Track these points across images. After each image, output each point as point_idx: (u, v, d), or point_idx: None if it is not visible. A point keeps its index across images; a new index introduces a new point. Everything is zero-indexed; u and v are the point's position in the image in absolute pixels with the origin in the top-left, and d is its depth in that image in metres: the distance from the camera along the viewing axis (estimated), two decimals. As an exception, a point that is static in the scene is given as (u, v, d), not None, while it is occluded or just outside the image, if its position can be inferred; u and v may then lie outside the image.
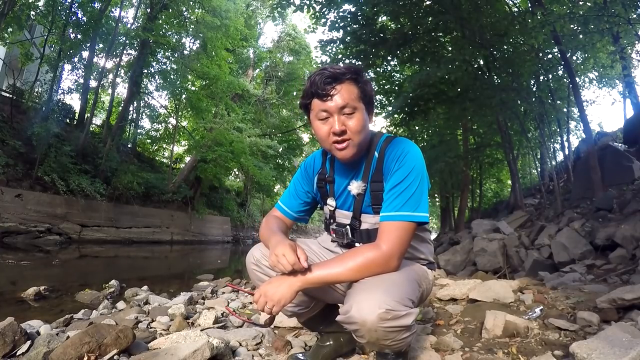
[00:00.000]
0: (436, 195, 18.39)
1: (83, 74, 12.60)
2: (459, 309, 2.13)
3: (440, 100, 10.09)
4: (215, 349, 1.34)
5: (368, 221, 1.23)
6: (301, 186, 1.38)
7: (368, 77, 1.17)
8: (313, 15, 8.33)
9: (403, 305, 0.98)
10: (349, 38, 8.71)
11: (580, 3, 6.77)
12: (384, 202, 1.13)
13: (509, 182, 14.79)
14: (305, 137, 24.19)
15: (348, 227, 1.26)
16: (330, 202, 1.31)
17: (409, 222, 1.08)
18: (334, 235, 1.32)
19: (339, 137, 1.10)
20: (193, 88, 16.89)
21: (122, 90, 16.87)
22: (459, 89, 9.48)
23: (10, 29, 10.73)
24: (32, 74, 12.09)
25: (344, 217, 1.28)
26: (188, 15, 15.23)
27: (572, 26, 6.60)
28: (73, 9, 11.66)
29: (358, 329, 0.99)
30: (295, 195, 1.38)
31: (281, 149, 21.86)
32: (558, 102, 9.40)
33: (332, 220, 1.32)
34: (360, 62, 8.97)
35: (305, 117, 1.23)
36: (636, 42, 8.03)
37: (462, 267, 4.99)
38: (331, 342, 1.45)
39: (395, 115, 12.20)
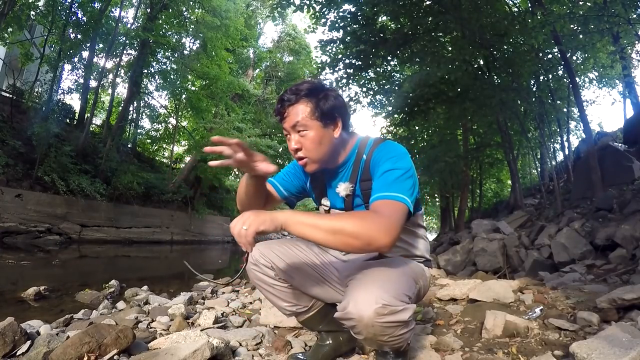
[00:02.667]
0: (436, 195, 18.37)
1: (83, 74, 12.61)
2: (459, 309, 2.13)
3: (440, 100, 10.10)
4: (215, 349, 1.34)
5: None
6: (295, 174, 1.39)
7: (330, 88, 1.15)
8: (313, 15, 8.33)
9: (399, 300, 0.98)
10: (349, 38, 8.71)
11: (580, 3, 6.77)
12: (373, 189, 1.10)
13: (509, 182, 14.80)
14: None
15: None
16: (325, 202, 1.33)
17: (399, 202, 1.02)
18: None
19: (296, 155, 1.18)
20: (193, 88, 16.90)
21: (122, 90, 16.90)
22: (459, 89, 9.48)
23: (10, 29, 10.72)
24: (32, 74, 12.09)
25: None
26: (188, 15, 15.24)
27: (572, 26, 6.61)
28: (73, 9, 11.67)
29: (355, 325, 0.99)
30: (289, 177, 1.39)
31: (281, 149, 21.82)
32: (558, 102, 9.41)
33: None
34: (360, 62, 8.97)
35: None
36: (636, 42, 8.02)
37: (462, 267, 4.99)
38: (331, 342, 1.45)
39: (395, 115, 12.22)
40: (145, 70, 14.91)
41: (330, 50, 9.20)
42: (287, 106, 1.15)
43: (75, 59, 12.51)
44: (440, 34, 9.03)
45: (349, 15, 8.29)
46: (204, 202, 17.23)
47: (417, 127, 13.79)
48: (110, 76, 15.23)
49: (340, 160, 1.23)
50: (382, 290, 0.97)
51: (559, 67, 8.74)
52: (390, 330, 0.98)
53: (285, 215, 0.96)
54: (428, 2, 8.23)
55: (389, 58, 9.63)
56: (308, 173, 1.35)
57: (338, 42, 8.97)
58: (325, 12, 8.32)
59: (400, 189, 1.05)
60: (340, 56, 9.13)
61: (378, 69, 10.29)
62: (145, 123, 18.98)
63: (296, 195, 1.41)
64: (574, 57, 9.30)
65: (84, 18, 11.96)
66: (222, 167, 1.07)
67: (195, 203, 15.91)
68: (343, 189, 1.23)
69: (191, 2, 14.72)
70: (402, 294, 1.01)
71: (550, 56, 8.47)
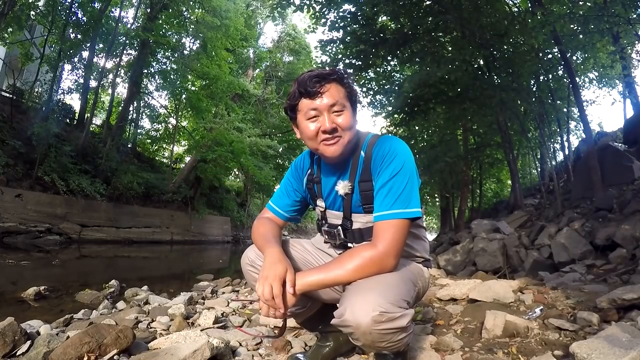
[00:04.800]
0: (436, 195, 18.38)
1: (83, 74, 12.62)
2: (459, 309, 2.13)
3: (440, 100, 10.09)
4: (215, 349, 1.34)
5: (359, 220, 1.23)
6: (292, 185, 1.37)
7: (352, 78, 1.24)
8: (313, 15, 8.34)
9: (397, 306, 0.97)
10: (349, 38, 8.71)
11: (580, 3, 6.77)
12: (375, 201, 1.13)
13: (509, 182, 14.79)
14: (305, 137, 24.17)
15: (340, 227, 1.26)
16: (320, 203, 1.31)
17: (403, 219, 1.08)
18: (327, 237, 1.32)
19: (329, 135, 1.12)
20: (193, 88, 16.90)
21: (122, 90, 16.92)
22: (459, 89, 9.48)
23: (10, 29, 10.73)
24: (32, 74, 12.09)
25: (335, 217, 1.28)
26: (188, 15, 15.24)
27: (572, 26, 6.61)
28: (73, 9, 11.68)
29: (353, 332, 0.99)
30: (286, 194, 1.38)
31: (281, 149, 21.86)
32: (558, 102, 9.40)
33: (323, 222, 1.32)
34: (360, 62, 8.97)
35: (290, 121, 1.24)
36: (636, 42, 8.04)
37: (462, 267, 4.99)
38: (331, 342, 1.45)
39: (395, 115, 12.22)
40: (145, 70, 14.92)
41: (330, 50, 9.20)
42: (324, 83, 1.11)
43: (75, 59, 12.53)
44: (440, 34, 9.03)
45: (349, 15, 8.29)
46: (204, 202, 17.23)
47: (417, 127, 13.79)
48: (110, 76, 15.25)
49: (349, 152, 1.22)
50: (379, 296, 0.96)
51: (559, 67, 8.73)
52: (388, 337, 0.97)
53: (309, 282, 1.06)
54: (428, 2, 8.23)
55: (389, 58, 9.64)
56: (311, 170, 1.33)
57: (338, 42, 8.97)
58: (325, 12, 8.32)
59: (405, 203, 1.08)
60: (340, 56, 9.13)
61: (378, 69, 10.29)
62: (145, 123, 19.04)
63: (297, 211, 1.40)
64: (574, 57, 9.30)
65: (84, 18, 11.97)
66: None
67: (195, 203, 15.91)
68: (342, 187, 1.21)
69: (191, 2, 14.72)
70: (400, 299, 0.99)
71: (550, 56, 8.46)
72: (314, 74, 1.12)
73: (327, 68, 1.18)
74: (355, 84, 1.21)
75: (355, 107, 1.19)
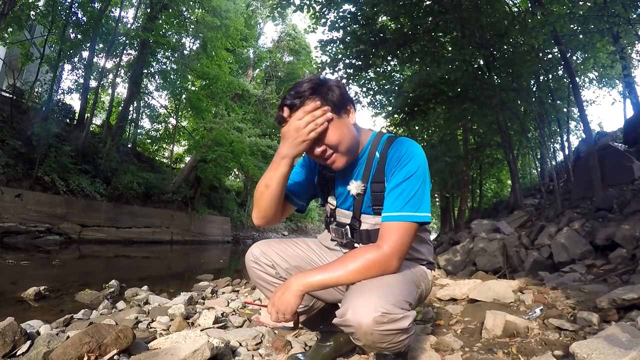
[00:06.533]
0: (436, 195, 18.39)
1: (83, 74, 12.62)
2: (459, 309, 2.13)
3: (440, 100, 10.08)
4: (215, 349, 1.34)
5: (368, 222, 1.22)
6: (304, 172, 1.35)
7: (329, 79, 1.12)
8: (313, 15, 8.33)
9: (399, 308, 0.97)
10: (349, 38, 8.70)
11: (580, 3, 6.76)
12: (386, 201, 1.12)
13: (509, 182, 14.81)
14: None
15: (348, 227, 1.26)
16: (331, 200, 1.30)
17: (411, 222, 1.07)
18: (334, 235, 1.32)
19: (322, 157, 1.12)
20: (193, 88, 16.90)
21: (122, 90, 16.94)
22: (459, 89, 9.46)
23: (10, 29, 10.73)
24: (32, 74, 12.11)
25: (344, 216, 1.28)
26: (188, 15, 15.25)
27: (572, 26, 6.60)
28: (73, 9, 11.69)
29: (354, 332, 0.98)
30: (299, 180, 1.34)
31: (281, 149, 21.82)
32: (558, 102, 9.40)
33: (332, 219, 1.32)
34: (360, 62, 8.97)
35: None
36: (636, 42, 8.04)
37: (462, 267, 4.99)
38: (331, 342, 1.45)
39: (395, 115, 12.20)
40: (145, 70, 14.93)
41: (330, 50, 9.18)
42: (294, 111, 1.07)
43: (75, 59, 12.54)
44: (440, 34, 9.02)
45: (349, 15, 8.28)
46: (204, 202, 17.23)
47: (417, 127, 13.78)
48: (110, 76, 15.26)
49: (357, 154, 1.20)
50: (381, 297, 0.96)
51: (559, 67, 8.73)
52: (389, 338, 0.97)
53: (311, 283, 1.05)
54: (428, 2, 8.22)
55: (389, 58, 9.62)
56: (317, 171, 1.33)
57: (338, 42, 8.96)
58: (325, 12, 8.31)
59: (416, 207, 1.08)
60: (340, 56, 9.11)
61: (378, 69, 10.27)
62: (145, 123, 19.06)
63: (308, 200, 1.38)
64: (574, 57, 9.30)
65: (84, 18, 11.98)
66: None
67: (195, 203, 15.91)
68: (354, 187, 1.20)
69: (191, 2, 14.72)
70: (402, 300, 0.99)
71: (550, 56, 8.45)
72: (283, 103, 1.09)
73: (304, 81, 1.11)
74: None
75: (344, 108, 1.13)
